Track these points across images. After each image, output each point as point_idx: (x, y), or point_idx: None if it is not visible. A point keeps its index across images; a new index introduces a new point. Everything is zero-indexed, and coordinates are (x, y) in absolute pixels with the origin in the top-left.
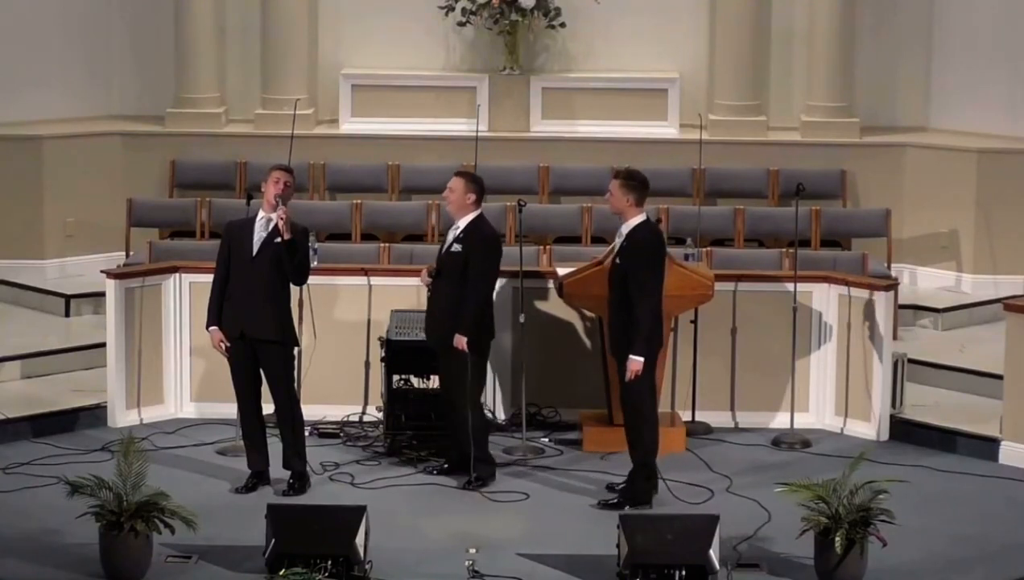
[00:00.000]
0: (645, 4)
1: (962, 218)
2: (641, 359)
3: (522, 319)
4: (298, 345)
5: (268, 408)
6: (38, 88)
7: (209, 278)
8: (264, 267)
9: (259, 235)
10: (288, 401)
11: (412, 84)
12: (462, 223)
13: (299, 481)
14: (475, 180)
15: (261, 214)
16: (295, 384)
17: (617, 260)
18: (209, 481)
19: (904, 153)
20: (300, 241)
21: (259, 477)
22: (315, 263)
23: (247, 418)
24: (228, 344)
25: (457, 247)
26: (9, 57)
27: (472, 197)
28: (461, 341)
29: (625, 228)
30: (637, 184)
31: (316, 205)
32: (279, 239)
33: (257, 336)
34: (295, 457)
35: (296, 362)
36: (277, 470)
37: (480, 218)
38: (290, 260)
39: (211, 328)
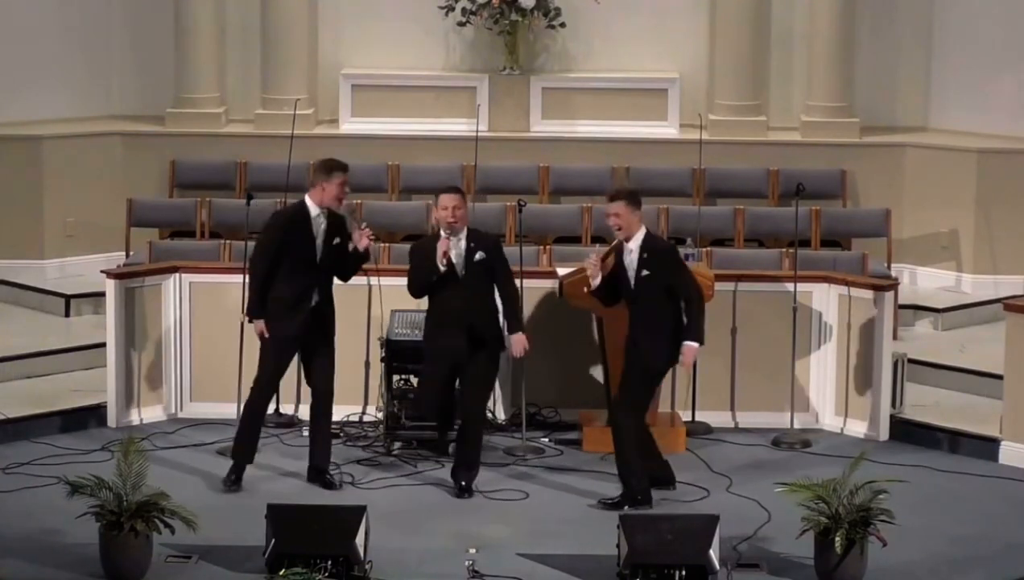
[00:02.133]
0: (645, 4)
1: (962, 218)
2: (696, 345)
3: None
4: None
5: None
6: (38, 88)
7: (209, 278)
8: (328, 270)
9: (321, 237)
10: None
11: (412, 84)
12: (463, 233)
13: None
14: (464, 192)
15: (316, 211)
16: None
17: (644, 272)
18: (209, 481)
19: (904, 153)
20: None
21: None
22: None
23: (263, 414)
24: (268, 335)
25: (481, 255)
26: (9, 57)
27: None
28: (523, 339)
29: (634, 243)
30: (639, 200)
31: None
32: (337, 241)
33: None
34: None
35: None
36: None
37: (471, 226)
38: (355, 267)
39: (257, 321)
